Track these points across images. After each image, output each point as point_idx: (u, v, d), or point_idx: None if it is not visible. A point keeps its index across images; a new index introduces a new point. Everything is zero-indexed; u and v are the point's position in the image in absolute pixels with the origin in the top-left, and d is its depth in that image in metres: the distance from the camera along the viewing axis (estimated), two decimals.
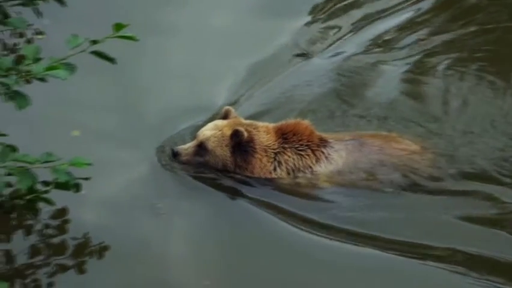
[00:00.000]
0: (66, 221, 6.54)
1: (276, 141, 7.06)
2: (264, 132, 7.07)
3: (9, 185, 4.93)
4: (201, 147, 7.04)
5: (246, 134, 6.93)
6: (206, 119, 7.65)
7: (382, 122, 7.80)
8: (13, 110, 4.82)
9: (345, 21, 9.68)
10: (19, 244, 6.31)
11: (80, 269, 6.17)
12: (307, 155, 7.03)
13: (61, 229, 6.50)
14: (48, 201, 5.09)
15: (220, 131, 7.01)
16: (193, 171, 7.12)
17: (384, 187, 6.99)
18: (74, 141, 7.32)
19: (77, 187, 5.01)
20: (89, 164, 4.78)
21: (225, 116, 7.19)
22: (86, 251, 6.31)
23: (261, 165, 7.03)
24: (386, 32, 9.41)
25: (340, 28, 9.56)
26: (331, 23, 9.65)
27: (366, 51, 9.08)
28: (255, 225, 6.73)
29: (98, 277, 6.17)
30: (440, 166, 7.13)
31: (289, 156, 7.04)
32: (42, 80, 4.65)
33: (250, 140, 6.98)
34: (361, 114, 7.92)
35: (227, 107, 7.24)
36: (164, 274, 6.18)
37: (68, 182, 4.87)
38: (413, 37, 9.27)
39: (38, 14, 5.94)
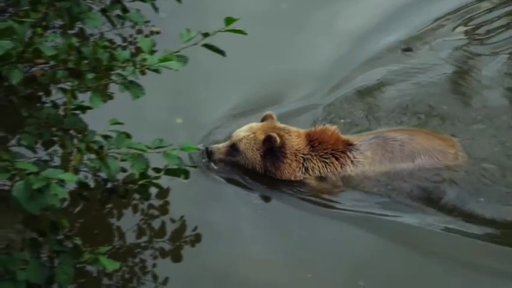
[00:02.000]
0: (167, 203, 6.82)
1: (306, 146, 7.12)
2: (295, 137, 7.16)
3: (123, 170, 5.12)
4: (233, 148, 7.14)
5: (278, 140, 7.01)
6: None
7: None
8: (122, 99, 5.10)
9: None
10: (128, 226, 6.64)
11: (177, 253, 6.41)
12: (332, 163, 7.11)
13: (163, 211, 6.78)
14: (159, 187, 5.29)
15: (253, 133, 7.13)
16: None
17: (407, 183, 7.02)
18: (178, 128, 7.61)
19: (186, 174, 5.21)
20: (197, 149, 4.98)
21: (264, 119, 7.27)
22: (183, 234, 6.56)
23: (290, 170, 7.12)
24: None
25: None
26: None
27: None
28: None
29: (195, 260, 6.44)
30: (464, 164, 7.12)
31: (315, 164, 7.12)
32: (156, 71, 4.84)
33: (282, 145, 7.06)
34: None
35: (268, 112, 7.31)
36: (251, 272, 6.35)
37: (178, 168, 5.07)
38: None
39: (155, 9, 6.19)
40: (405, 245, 6.61)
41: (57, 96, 5.19)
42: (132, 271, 6.28)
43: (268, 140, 7.06)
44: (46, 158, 5.35)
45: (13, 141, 6.70)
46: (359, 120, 7.85)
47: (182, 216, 6.78)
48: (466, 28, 9.32)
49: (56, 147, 5.16)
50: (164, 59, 4.78)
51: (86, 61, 4.80)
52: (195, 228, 6.67)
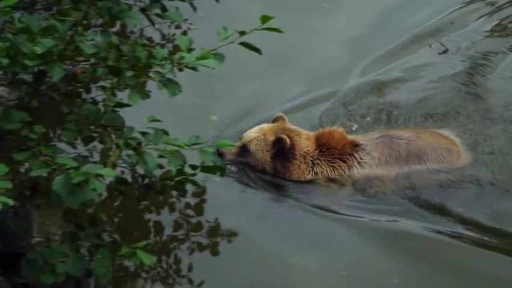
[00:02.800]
0: (203, 201, 6.90)
1: (315, 149, 7.17)
2: (305, 140, 7.21)
3: (160, 166, 5.20)
4: (244, 149, 7.19)
5: (288, 142, 7.05)
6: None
7: None
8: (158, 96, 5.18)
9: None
10: (165, 221, 6.74)
11: (214, 250, 6.48)
12: (339, 166, 7.15)
13: (199, 209, 6.86)
14: (195, 184, 5.36)
15: (263, 135, 7.18)
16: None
17: (414, 182, 7.05)
18: (213, 126, 7.72)
19: (222, 171, 5.28)
20: (232, 146, 5.05)
21: (275, 121, 7.32)
22: (219, 232, 6.63)
23: (299, 172, 7.17)
24: None
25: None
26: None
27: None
28: None
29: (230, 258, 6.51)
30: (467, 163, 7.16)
31: (323, 168, 7.16)
32: (193, 69, 4.91)
33: (291, 147, 7.10)
34: None
35: (279, 114, 7.36)
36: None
37: (214, 165, 5.14)
38: None
39: (194, 8, 6.27)
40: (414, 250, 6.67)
41: (97, 93, 5.27)
42: (167, 267, 6.38)
43: (278, 141, 7.12)
44: (86, 153, 5.44)
45: (54, 137, 6.85)
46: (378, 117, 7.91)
47: (217, 214, 6.88)
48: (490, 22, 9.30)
49: (95, 143, 5.23)
50: (202, 57, 4.84)
51: (125, 59, 4.89)
52: (231, 227, 6.76)
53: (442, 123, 7.69)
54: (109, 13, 4.94)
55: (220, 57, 4.90)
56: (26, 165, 4.83)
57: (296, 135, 7.25)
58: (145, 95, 4.99)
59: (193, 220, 6.84)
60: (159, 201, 6.87)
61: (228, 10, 8.40)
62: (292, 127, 7.34)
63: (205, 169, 5.19)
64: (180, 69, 4.94)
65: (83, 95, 5.34)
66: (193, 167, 5.20)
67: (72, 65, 5.13)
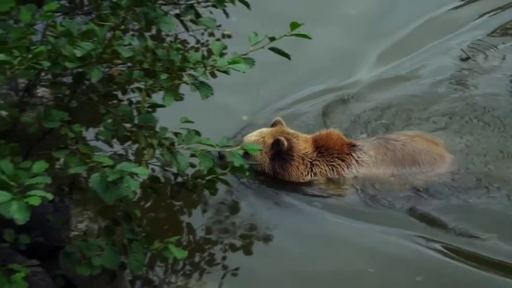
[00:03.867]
0: (236, 202, 7.08)
1: (313, 152, 7.37)
2: (303, 142, 7.41)
3: (191, 165, 5.36)
4: (244, 152, 7.30)
5: (286, 144, 7.23)
6: None
7: None
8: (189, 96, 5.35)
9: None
10: (197, 219, 6.92)
11: (248, 250, 6.63)
12: (338, 164, 7.33)
13: (234, 209, 7.02)
14: (226, 183, 5.56)
15: (262, 138, 7.36)
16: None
17: (408, 181, 7.24)
18: (243, 125, 7.92)
19: (250, 172, 5.44)
20: (259, 150, 5.19)
21: (273, 125, 7.50)
22: (252, 233, 6.78)
23: (298, 173, 7.37)
24: None
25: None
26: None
27: None
28: None
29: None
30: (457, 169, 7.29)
31: (322, 168, 7.35)
32: (225, 72, 5.07)
33: (289, 148, 7.28)
34: None
35: (278, 118, 7.54)
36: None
37: (242, 166, 5.32)
38: None
39: (226, 14, 6.44)
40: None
41: (132, 94, 5.43)
42: (198, 262, 6.55)
43: (276, 143, 7.32)
44: (121, 152, 5.63)
45: (89, 136, 7.01)
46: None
47: (252, 214, 7.06)
48: None
49: (130, 142, 5.36)
50: (233, 62, 5.01)
51: (160, 62, 5.06)
52: (265, 227, 6.93)
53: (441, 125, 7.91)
54: (145, 18, 5.08)
55: (250, 61, 5.07)
56: (62, 161, 4.99)
57: (294, 137, 7.48)
58: (179, 97, 5.15)
59: (226, 219, 7.01)
60: (192, 200, 7.05)
61: (261, 14, 8.54)
62: (291, 130, 7.58)
63: (235, 169, 5.36)
64: (213, 75, 5.10)
65: (120, 96, 5.47)
66: (223, 167, 5.37)
67: (109, 67, 5.27)
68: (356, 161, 7.42)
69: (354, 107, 8.31)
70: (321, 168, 7.43)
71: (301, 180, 7.43)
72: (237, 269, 6.51)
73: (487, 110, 8.08)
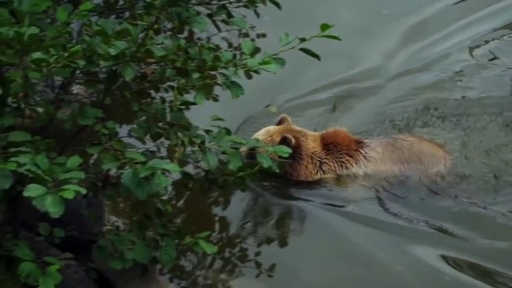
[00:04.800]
0: (266, 199, 7.17)
1: (322, 150, 7.36)
2: (311, 140, 7.39)
3: (221, 162, 5.44)
4: (253, 151, 7.32)
5: (293, 141, 7.18)
6: None
7: None
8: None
9: None
10: (230, 215, 7.03)
11: (282, 242, 6.69)
12: (347, 161, 7.35)
13: (263, 206, 7.12)
14: (255, 179, 5.65)
15: (270, 136, 7.33)
16: None
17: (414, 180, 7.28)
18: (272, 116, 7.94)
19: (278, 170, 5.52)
20: (289, 153, 5.28)
21: (280, 123, 7.48)
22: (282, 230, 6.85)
23: (307, 172, 7.36)
24: None
25: None
26: None
27: None
28: None
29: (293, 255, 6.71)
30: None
31: (331, 165, 7.35)
32: (256, 72, 5.14)
33: (297, 147, 7.25)
34: None
35: (284, 115, 7.53)
36: None
37: (270, 168, 5.39)
38: None
39: (257, 14, 6.51)
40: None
41: (165, 92, 5.53)
42: (228, 257, 6.64)
43: (283, 141, 7.22)
44: (153, 149, 5.71)
45: (122, 133, 7.13)
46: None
47: (278, 214, 7.15)
48: None
49: (162, 139, 5.47)
50: (264, 62, 5.07)
51: (192, 61, 5.14)
52: (294, 224, 7.03)
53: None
54: (178, 18, 5.15)
55: (281, 61, 5.13)
56: (95, 157, 5.09)
57: (302, 136, 7.49)
58: (211, 96, 5.22)
59: (254, 215, 7.09)
60: (222, 197, 7.14)
61: (293, 14, 8.61)
62: (299, 128, 7.58)
63: (263, 168, 5.42)
64: (248, 76, 5.17)
65: (152, 94, 5.57)
66: (251, 166, 5.45)
67: (142, 66, 5.37)
68: (364, 156, 7.47)
69: (354, 106, 8.42)
70: (330, 166, 7.47)
71: (310, 179, 7.46)
72: (269, 265, 6.55)
73: (493, 112, 8.13)
